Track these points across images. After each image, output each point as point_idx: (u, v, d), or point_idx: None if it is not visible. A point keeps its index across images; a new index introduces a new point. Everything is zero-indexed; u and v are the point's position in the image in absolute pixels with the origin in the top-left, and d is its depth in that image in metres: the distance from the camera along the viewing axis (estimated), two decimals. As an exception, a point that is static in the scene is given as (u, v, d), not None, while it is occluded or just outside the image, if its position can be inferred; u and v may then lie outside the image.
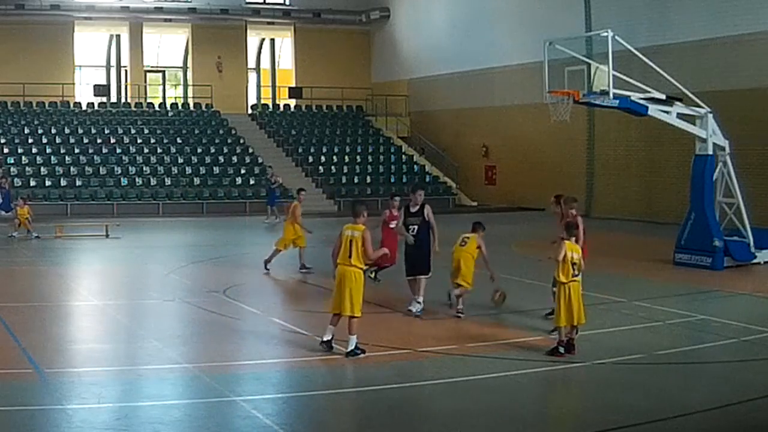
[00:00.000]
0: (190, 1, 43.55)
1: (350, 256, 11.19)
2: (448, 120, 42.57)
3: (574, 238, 11.39)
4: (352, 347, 11.15)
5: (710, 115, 19.59)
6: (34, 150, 37.14)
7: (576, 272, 11.12)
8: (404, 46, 45.20)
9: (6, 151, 36.69)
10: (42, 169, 36.00)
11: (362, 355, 11.13)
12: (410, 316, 13.99)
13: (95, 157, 37.32)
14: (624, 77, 19.02)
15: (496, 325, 13.36)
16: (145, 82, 45.07)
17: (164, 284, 17.69)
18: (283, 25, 46.38)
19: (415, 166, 41.36)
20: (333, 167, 40.38)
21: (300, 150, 41.36)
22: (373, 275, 16.09)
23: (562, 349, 11.11)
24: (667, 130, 23.37)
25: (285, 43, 48.06)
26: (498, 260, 17.55)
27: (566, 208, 13.91)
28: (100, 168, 36.79)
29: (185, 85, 45.95)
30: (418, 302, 14.21)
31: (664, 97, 19.63)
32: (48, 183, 35.29)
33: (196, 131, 41.17)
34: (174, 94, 47.10)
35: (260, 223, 30.89)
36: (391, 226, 15.78)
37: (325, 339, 11.40)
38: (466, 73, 40.51)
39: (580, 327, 11.40)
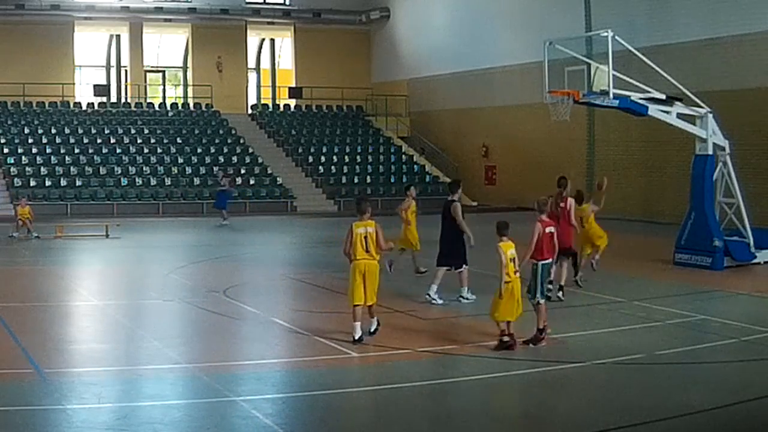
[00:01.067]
0: (190, 1, 43.54)
1: (367, 251, 11.86)
2: (448, 120, 42.56)
3: (505, 237, 11.77)
4: (376, 326, 12.12)
5: (710, 115, 19.58)
6: (34, 150, 37.12)
7: (517, 268, 11.61)
8: (404, 46, 45.19)
9: (6, 151, 36.67)
10: (42, 169, 35.98)
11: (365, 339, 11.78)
12: (411, 316, 14.00)
13: (95, 157, 37.30)
14: (624, 77, 19.01)
15: (496, 325, 13.34)
16: (145, 82, 45.07)
17: (164, 284, 17.68)
18: (283, 25, 46.37)
19: (415, 166, 41.34)
20: (333, 167, 40.37)
21: (300, 150, 41.36)
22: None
23: (506, 339, 11.43)
24: (667, 131, 23.33)
25: (285, 43, 48.07)
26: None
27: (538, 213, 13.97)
28: (100, 168, 36.76)
29: (185, 85, 45.95)
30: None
31: (664, 97, 19.62)
32: (48, 183, 35.27)
33: (196, 131, 41.16)
34: (174, 94, 47.10)
35: (255, 224, 30.84)
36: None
37: (357, 337, 11.84)
38: (466, 73, 40.50)
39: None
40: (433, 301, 14.83)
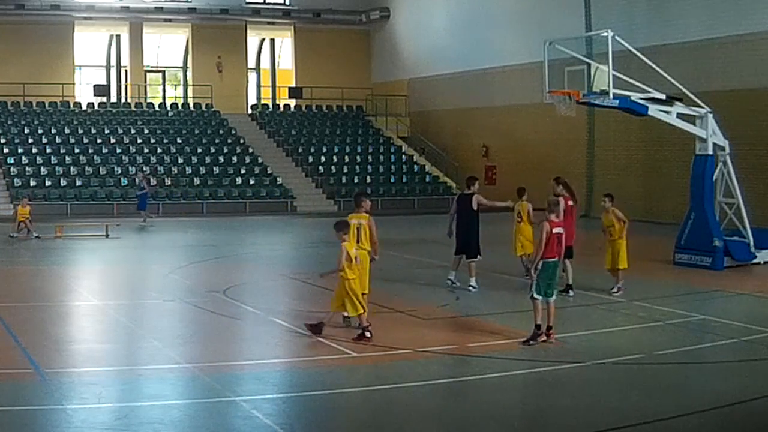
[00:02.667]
0: (190, 1, 43.53)
1: (359, 241, 12.54)
2: (448, 120, 42.56)
3: (347, 237, 12.16)
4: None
5: (710, 115, 19.58)
6: (34, 150, 37.12)
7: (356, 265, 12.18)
8: (404, 46, 45.19)
9: (6, 151, 36.67)
10: (42, 169, 35.97)
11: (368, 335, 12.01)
12: (411, 316, 14.01)
13: (95, 157, 37.30)
14: (624, 77, 19.01)
15: (495, 325, 13.36)
16: (145, 82, 45.07)
17: (164, 284, 17.68)
18: (283, 25, 46.37)
19: (415, 166, 41.35)
20: (333, 167, 40.37)
21: (300, 150, 41.36)
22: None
23: (368, 334, 11.90)
24: (667, 131, 23.35)
25: (285, 43, 48.06)
26: (500, 261, 17.60)
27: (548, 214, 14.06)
28: (100, 168, 36.77)
29: (185, 85, 45.95)
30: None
31: (664, 97, 19.62)
32: (48, 183, 35.27)
33: (196, 131, 41.16)
34: (174, 94, 47.10)
35: (255, 224, 30.85)
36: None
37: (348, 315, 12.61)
38: (466, 73, 40.50)
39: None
40: (453, 283, 16.15)
